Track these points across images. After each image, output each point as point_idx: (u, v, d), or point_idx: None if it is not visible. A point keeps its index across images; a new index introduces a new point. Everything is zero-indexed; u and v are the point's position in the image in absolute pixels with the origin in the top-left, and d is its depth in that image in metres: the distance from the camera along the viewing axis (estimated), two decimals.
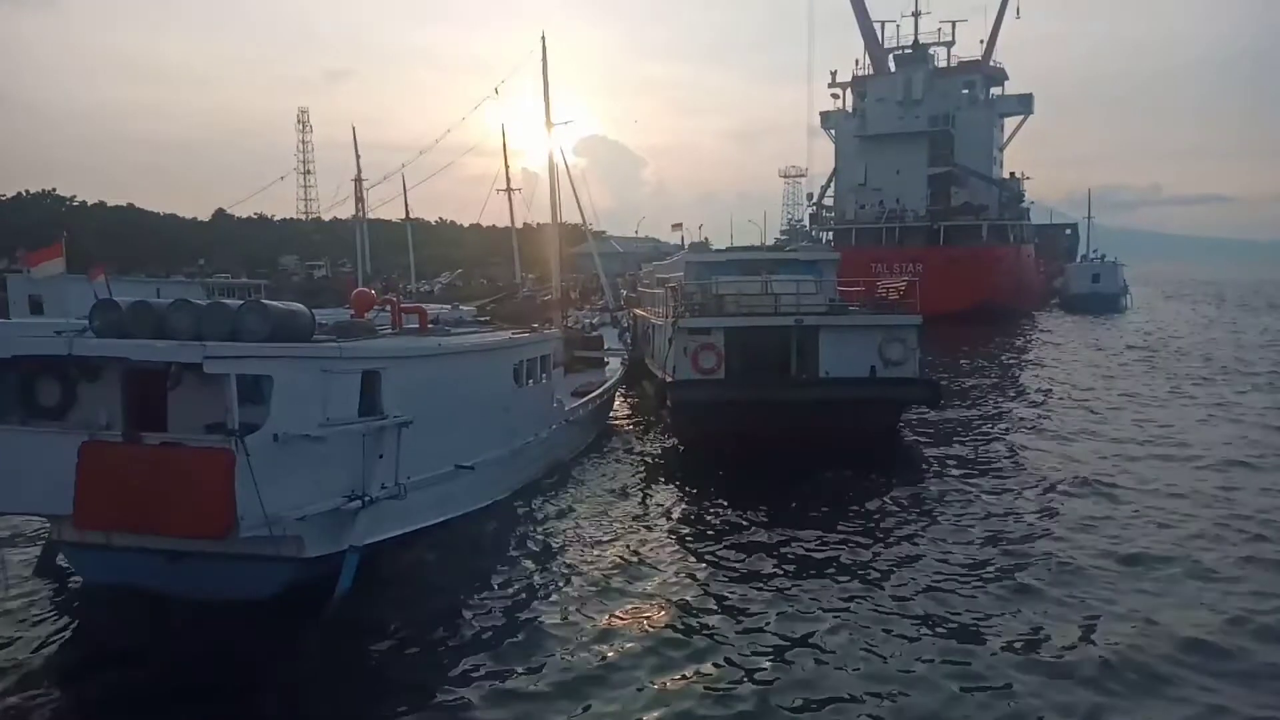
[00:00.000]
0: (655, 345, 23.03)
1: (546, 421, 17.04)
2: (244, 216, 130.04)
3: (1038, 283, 77.22)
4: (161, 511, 9.42)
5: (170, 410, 10.80)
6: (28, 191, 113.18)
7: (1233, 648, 9.57)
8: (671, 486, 16.92)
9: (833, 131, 74.07)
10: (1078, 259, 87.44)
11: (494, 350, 15.08)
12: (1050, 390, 28.58)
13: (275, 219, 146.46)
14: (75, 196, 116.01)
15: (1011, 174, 75.53)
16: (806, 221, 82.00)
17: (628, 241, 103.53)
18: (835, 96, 74.40)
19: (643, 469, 18.41)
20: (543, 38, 24.04)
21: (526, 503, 15.37)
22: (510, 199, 35.90)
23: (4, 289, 36.16)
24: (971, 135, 68.23)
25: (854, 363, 19.08)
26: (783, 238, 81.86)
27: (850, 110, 73.39)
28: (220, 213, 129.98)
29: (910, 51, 71.06)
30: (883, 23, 72.36)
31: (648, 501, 15.93)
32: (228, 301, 10.99)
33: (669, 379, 19.16)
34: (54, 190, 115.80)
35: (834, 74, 74.09)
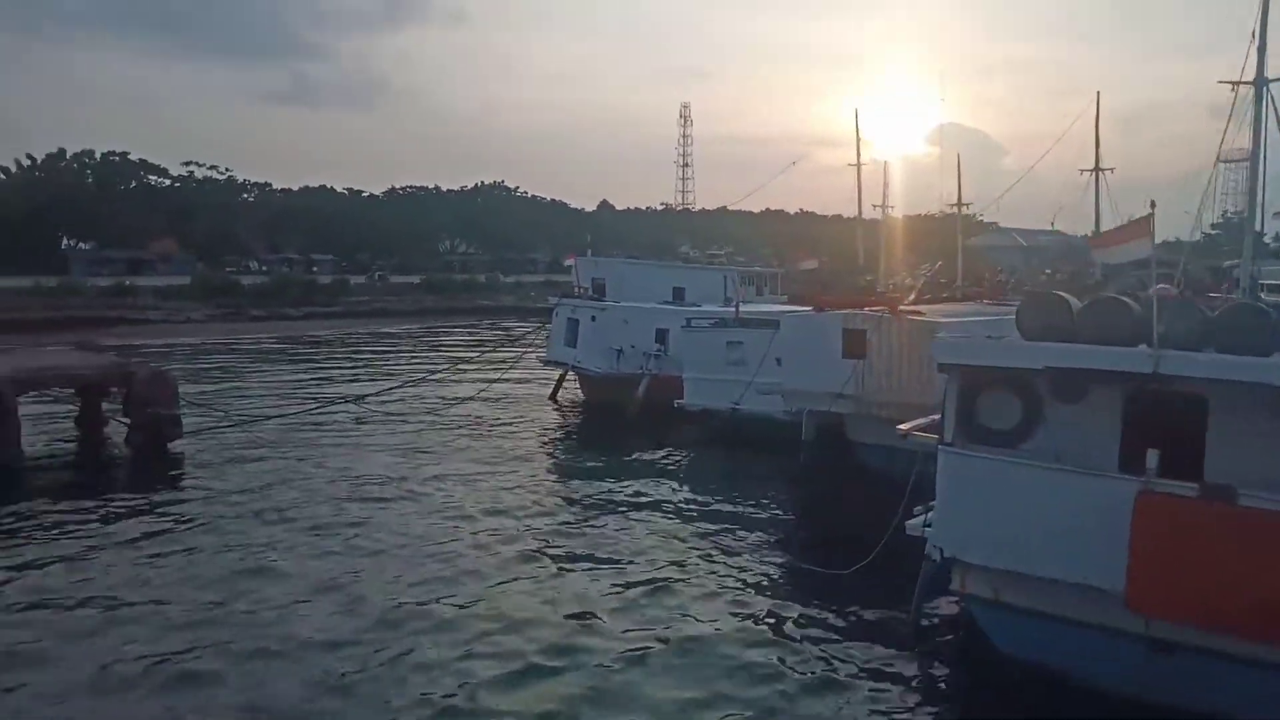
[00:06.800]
0: None
1: None
2: (622, 208, 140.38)
3: None
4: None
5: (1210, 451, 8.04)
6: (482, 183, 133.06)
7: None
8: None
9: None
10: None
11: None
12: None
13: (673, 209, 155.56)
14: (518, 187, 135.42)
15: None
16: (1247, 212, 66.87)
17: (1030, 234, 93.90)
18: None
19: None
20: None
21: None
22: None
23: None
24: None
25: None
26: (1214, 232, 67.63)
27: None
28: (604, 204, 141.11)
29: None
30: None
31: None
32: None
33: None
34: (502, 181, 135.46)
35: None
